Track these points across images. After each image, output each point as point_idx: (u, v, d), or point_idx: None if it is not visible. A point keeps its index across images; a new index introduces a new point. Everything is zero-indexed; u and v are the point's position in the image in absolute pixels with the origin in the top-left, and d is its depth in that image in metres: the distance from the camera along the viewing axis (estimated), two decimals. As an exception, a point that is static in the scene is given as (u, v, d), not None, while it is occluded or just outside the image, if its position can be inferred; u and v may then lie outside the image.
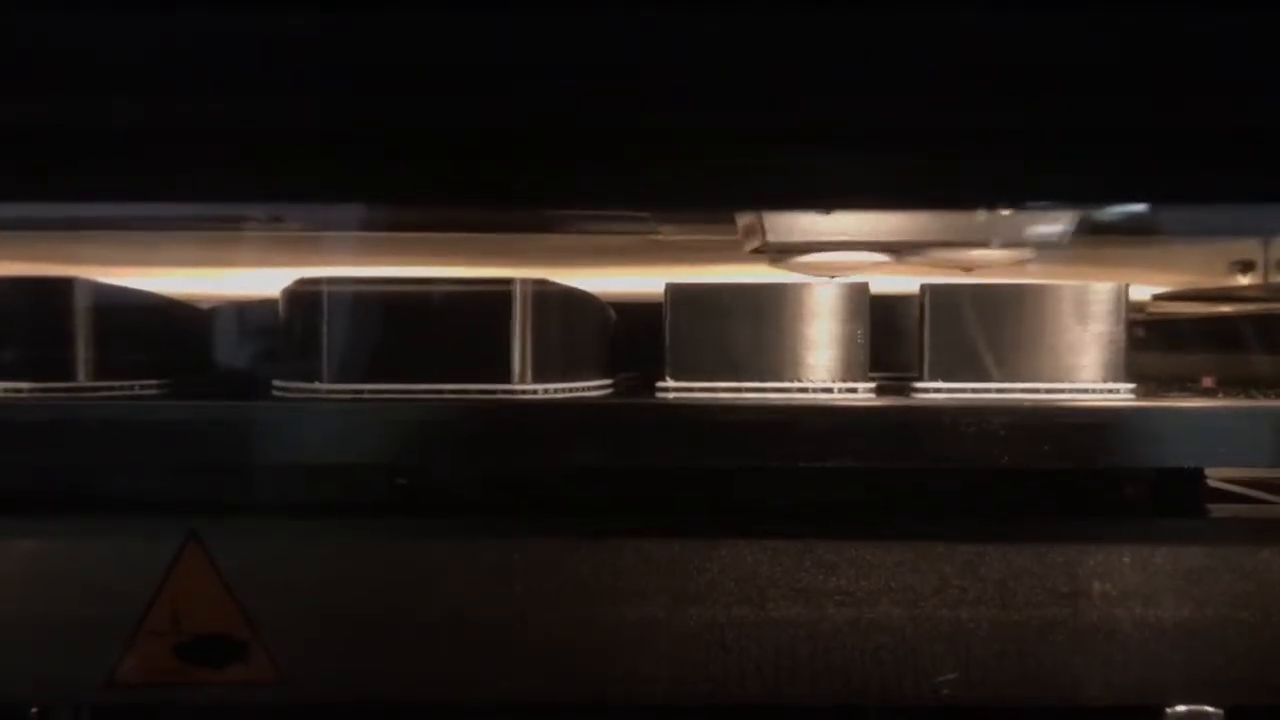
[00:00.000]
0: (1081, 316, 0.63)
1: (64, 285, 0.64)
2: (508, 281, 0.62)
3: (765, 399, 0.62)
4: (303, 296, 0.63)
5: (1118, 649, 0.60)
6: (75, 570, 0.61)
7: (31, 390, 0.62)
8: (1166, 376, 0.76)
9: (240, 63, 0.52)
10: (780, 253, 0.77)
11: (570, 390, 0.63)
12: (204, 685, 0.60)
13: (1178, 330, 0.90)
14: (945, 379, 0.63)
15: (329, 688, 0.61)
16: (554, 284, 0.65)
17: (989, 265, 0.78)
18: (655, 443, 0.59)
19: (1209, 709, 0.60)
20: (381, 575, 0.61)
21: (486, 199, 0.67)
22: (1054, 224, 0.73)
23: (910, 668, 0.60)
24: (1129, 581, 0.60)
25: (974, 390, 0.63)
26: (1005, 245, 0.75)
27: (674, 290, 0.64)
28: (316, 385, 0.62)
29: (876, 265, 0.78)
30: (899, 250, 0.76)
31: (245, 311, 0.75)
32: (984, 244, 0.75)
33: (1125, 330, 0.63)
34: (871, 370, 0.64)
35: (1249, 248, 1.00)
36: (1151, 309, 0.96)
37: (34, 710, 0.63)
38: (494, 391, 0.61)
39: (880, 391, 0.63)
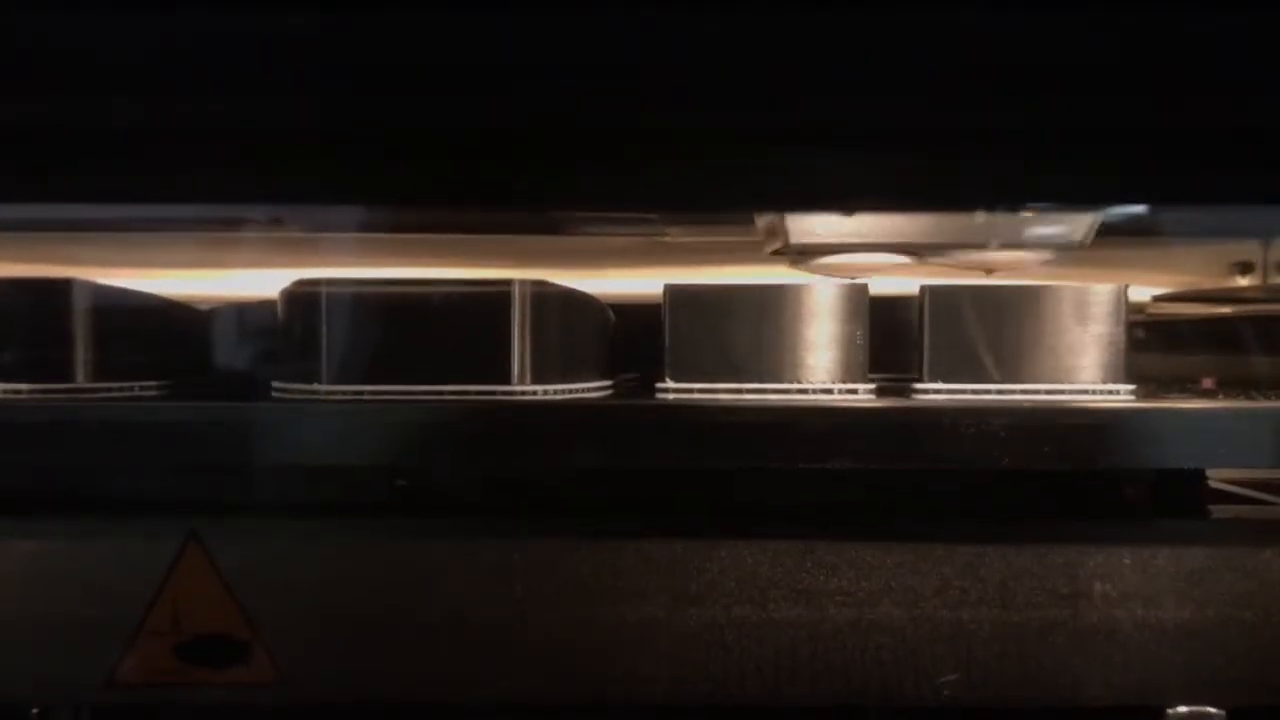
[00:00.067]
0: (1081, 318, 0.63)
1: (63, 286, 0.64)
2: (507, 283, 0.62)
3: (765, 400, 0.62)
4: (302, 297, 0.63)
5: (1118, 650, 0.60)
6: (75, 571, 0.61)
7: (31, 391, 0.62)
8: (1166, 378, 0.76)
9: (240, 63, 0.52)
10: (802, 254, 0.77)
11: (570, 391, 0.63)
12: (204, 685, 0.60)
13: (1178, 331, 0.90)
14: (945, 380, 0.63)
15: (329, 688, 0.61)
16: (553, 285, 0.65)
17: (1010, 267, 0.78)
18: (655, 444, 0.59)
19: (1210, 710, 0.60)
20: (381, 576, 0.61)
21: (486, 199, 0.67)
22: (1078, 225, 0.73)
23: (911, 668, 0.60)
24: (1130, 582, 0.60)
25: (974, 391, 0.63)
26: (1028, 247, 0.75)
27: (673, 291, 0.64)
28: (316, 386, 0.62)
29: (898, 267, 0.78)
30: (920, 252, 0.76)
31: (244, 313, 0.75)
32: (1006, 245, 0.75)
33: (1125, 331, 0.63)
34: (872, 371, 0.64)
35: (1249, 249, 1.00)
36: (1151, 310, 0.96)
37: (34, 710, 0.63)
38: (493, 393, 0.61)
39: (880, 392, 0.63)
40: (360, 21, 0.51)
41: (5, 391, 0.62)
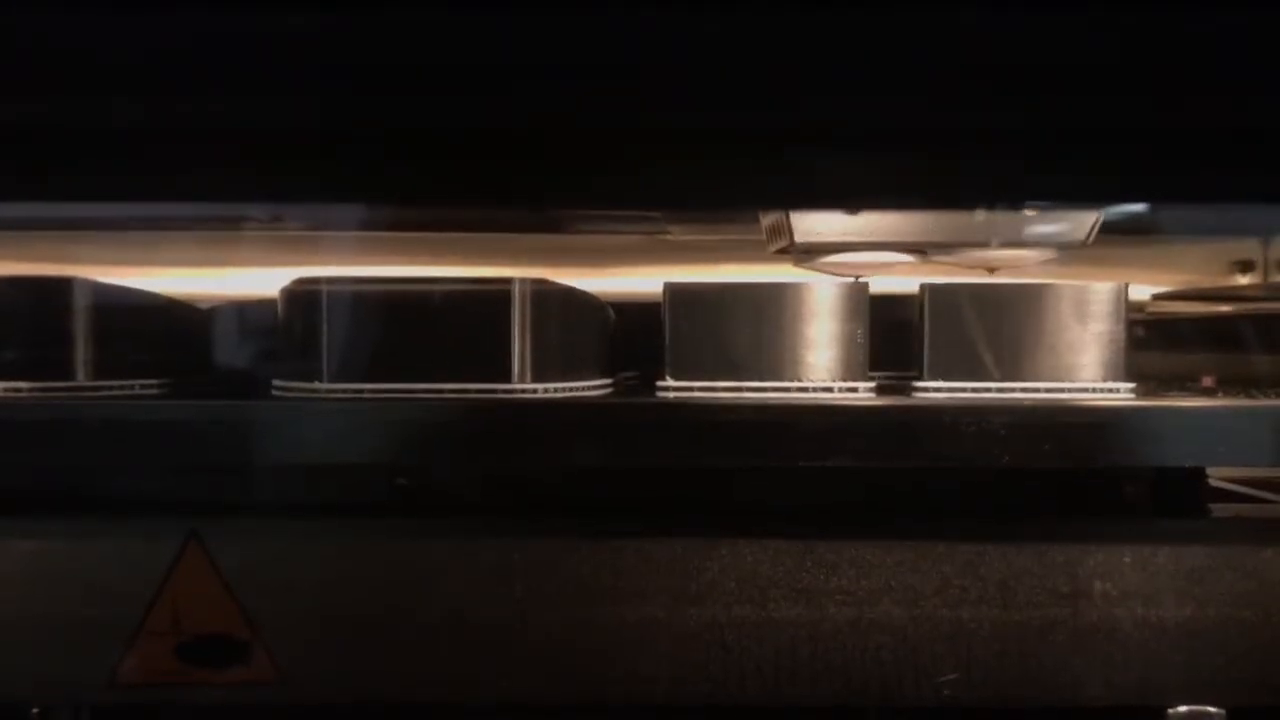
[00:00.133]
0: (1081, 316, 0.63)
1: (63, 285, 0.64)
2: (507, 281, 0.62)
3: (765, 399, 0.62)
4: (302, 296, 0.63)
5: (1119, 649, 0.60)
6: (76, 570, 0.61)
7: (31, 390, 0.62)
8: (1166, 376, 0.76)
9: (240, 63, 0.52)
10: (807, 253, 0.77)
11: (570, 390, 0.63)
12: (204, 685, 0.60)
13: (1178, 330, 0.90)
14: (945, 378, 0.63)
15: (329, 688, 0.61)
16: (553, 283, 0.65)
17: (1014, 265, 0.78)
18: (655, 442, 0.59)
19: (1211, 709, 0.60)
20: (381, 575, 0.61)
21: (486, 199, 0.67)
22: (1081, 224, 0.73)
23: (911, 668, 0.60)
24: (1130, 581, 0.60)
25: (974, 390, 0.63)
26: (1031, 246, 0.75)
27: (673, 290, 0.64)
28: (316, 385, 0.62)
29: (902, 265, 0.78)
30: (925, 251, 0.76)
31: (245, 311, 0.75)
32: (1010, 244, 0.75)
33: (1125, 330, 0.63)
34: (872, 369, 0.64)
35: (1249, 247, 1.00)
36: (1151, 308, 0.96)
37: (35, 710, 0.63)
38: (494, 391, 0.61)
39: (880, 391, 0.63)
40: (360, 21, 0.51)
41: (6, 390, 0.62)
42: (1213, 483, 0.69)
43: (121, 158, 0.55)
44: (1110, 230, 0.74)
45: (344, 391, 0.61)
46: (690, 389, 0.63)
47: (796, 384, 0.63)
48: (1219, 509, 0.66)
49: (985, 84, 0.53)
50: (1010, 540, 0.60)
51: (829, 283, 0.64)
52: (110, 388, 0.63)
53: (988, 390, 0.63)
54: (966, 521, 0.61)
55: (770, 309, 0.63)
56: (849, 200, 0.68)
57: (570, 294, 0.67)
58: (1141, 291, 0.96)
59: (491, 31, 0.51)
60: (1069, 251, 0.76)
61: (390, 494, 0.66)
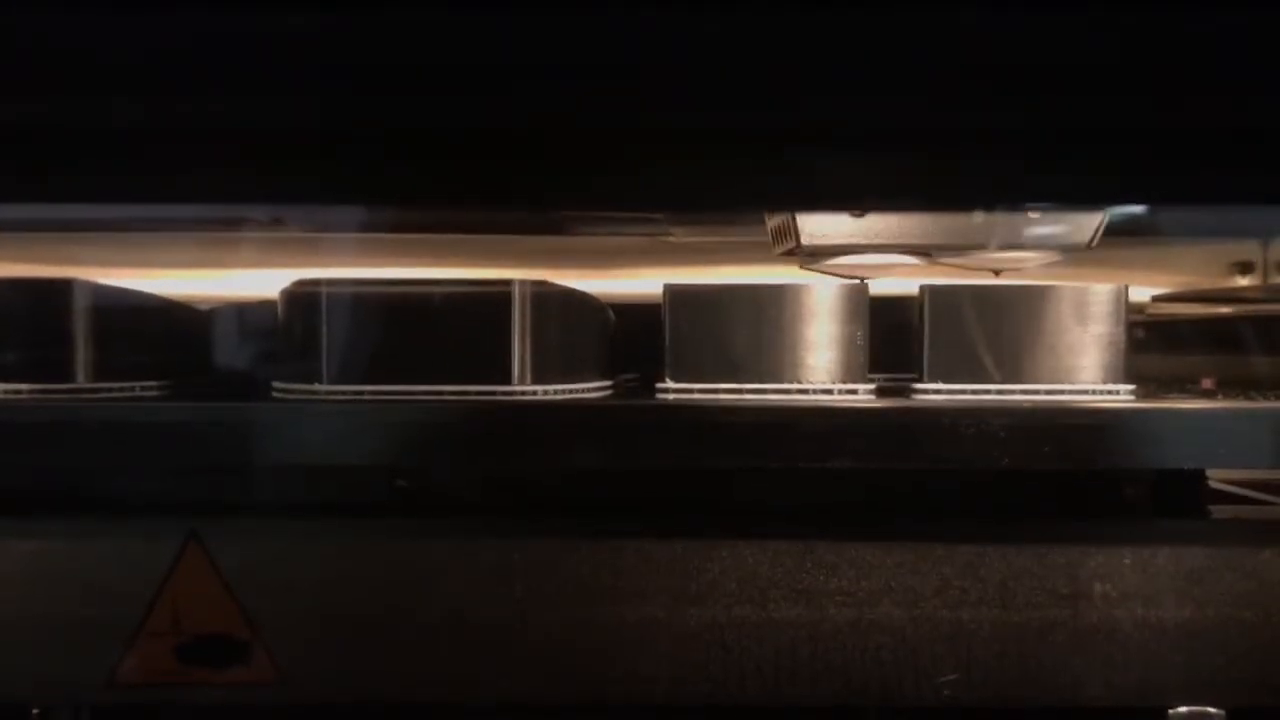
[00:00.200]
0: (1081, 318, 0.63)
1: (63, 286, 0.64)
2: (507, 283, 0.62)
3: (765, 400, 0.62)
4: (302, 298, 0.63)
5: (1119, 650, 0.60)
6: (76, 571, 0.61)
7: (32, 391, 0.62)
8: (1166, 378, 0.76)
9: (240, 63, 0.52)
10: (812, 255, 0.77)
11: (570, 391, 0.63)
12: (204, 685, 0.60)
13: (1177, 331, 0.90)
14: (945, 380, 0.63)
15: (329, 688, 0.61)
16: (553, 285, 0.65)
17: (1019, 267, 0.78)
18: (655, 444, 0.59)
19: (1211, 710, 0.60)
20: (381, 576, 0.61)
21: (487, 199, 0.67)
22: (1085, 226, 0.73)
23: (911, 668, 0.60)
24: (1130, 582, 0.60)
25: (974, 391, 0.63)
26: (1036, 248, 0.75)
27: (673, 291, 0.64)
28: (316, 386, 0.62)
29: (907, 268, 0.78)
30: (930, 253, 0.76)
31: (245, 313, 0.75)
32: (1015, 247, 0.75)
33: (1125, 332, 0.63)
34: (872, 371, 0.64)
35: (1249, 249, 1.00)
36: (1151, 310, 0.96)
37: (35, 710, 0.63)
38: (493, 393, 0.61)
39: (880, 393, 0.63)
40: (360, 21, 0.51)
41: (6, 392, 0.62)
42: (1212, 484, 0.69)
43: (121, 158, 0.55)
44: (1111, 232, 0.74)
45: (344, 393, 0.61)
46: (690, 390, 0.63)
47: (796, 386, 0.63)
48: (1218, 510, 0.66)
49: (985, 84, 0.53)
50: (1010, 541, 0.60)
51: (828, 284, 0.64)
52: (110, 389, 0.63)
53: (987, 392, 0.63)
54: (966, 523, 0.61)
55: (770, 311, 0.63)
56: (849, 200, 0.68)
57: (570, 295, 0.67)
58: (1141, 293, 0.96)
59: (491, 31, 0.51)
60: (1072, 254, 0.76)
61: (390, 495, 0.66)
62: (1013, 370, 0.63)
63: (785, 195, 0.64)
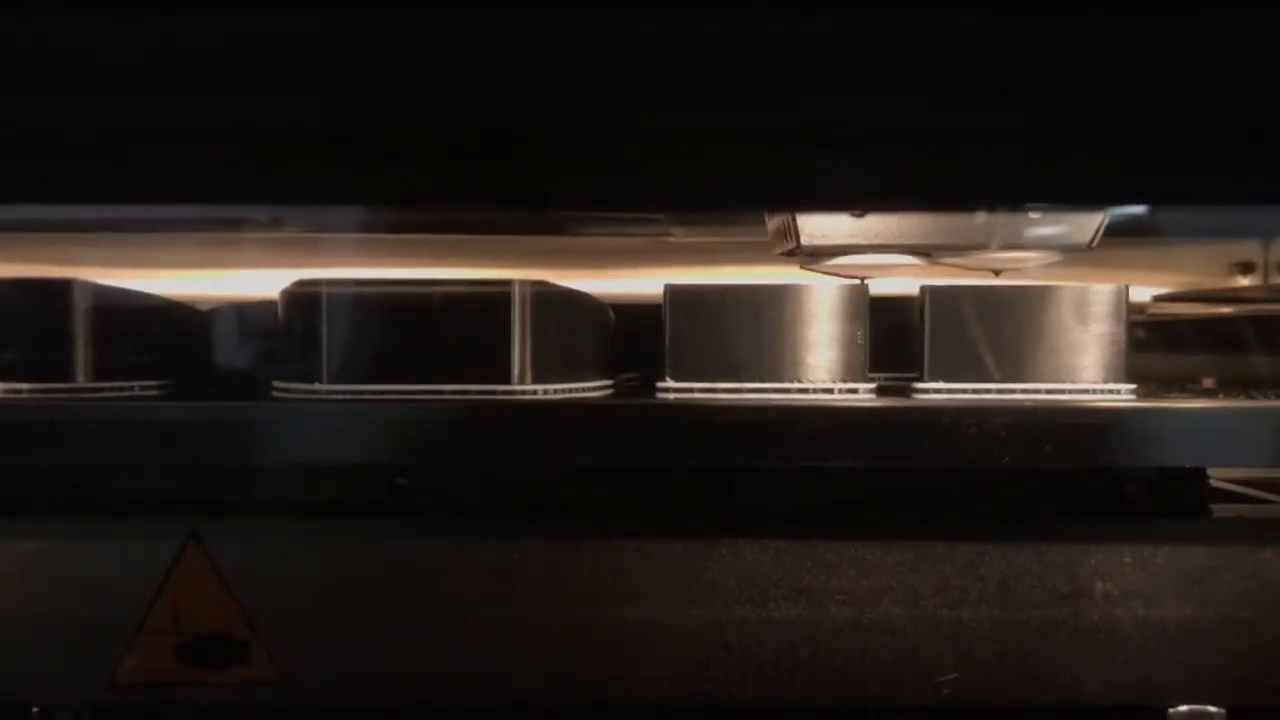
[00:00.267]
0: (1082, 317, 0.63)
1: (64, 286, 0.64)
2: (507, 283, 0.62)
3: (765, 400, 0.62)
4: (302, 298, 0.63)
5: (1119, 649, 0.60)
6: (76, 571, 0.61)
7: (32, 391, 0.62)
8: (1167, 377, 0.76)
9: (240, 63, 0.52)
10: (813, 255, 0.77)
11: (570, 391, 0.63)
12: (204, 685, 0.60)
13: (1178, 331, 0.90)
14: (946, 380, 0.63)
15: (329, 688, 0.61)
16: (553, 285, 0.65)
17: (1019, 267, 0.78)
18: (655, 443, 0.59)
19: (1211, 709, 0.60)
20: (381, 575, 0.61)
21: (487, 200, 0.67)
22: (1086, 226, 0.73)
23: (911, 668, 0.60)
24: (1130, 581, 0.60)
25: (974, 391, 0.63)
26: (1037, 248, 0.75)
27: (673, 291, 0.64)
28: (316, 386, 0.62)
29: (908, 268, 0.78)
30: (931, 253, 0.76)
31: (245, 313, 0.75)
32: (1016, 247, 0.75)
33: (1126, 331, 0.63)
34: (873, 371, 0.64)
35: (1249, 249, 1.00)
36: (1152, 310, 0.96)
37: (35, 710, 0.63)
38: (494, 392, 0.61)
39: (881, 392, 0.63)
40: (360, 21, 0.51)
41: (6, 391, 0.62)
42: (1213, 483, 0.69)
43: (122, 158, 0.55)
44: (1111, 232, 0.74)
45: (344, 393, 0.61)
46: (690, 390, 0.63)
47: (796, 385, 0.63)
48: (1219, 509, 0.66)
49: (985, 84, 0.53)
50: (1010, 540, 0.60)
51: (829, 284, 0.64)
52: (110, 389, 0.63)
53: (988, 391, 0.63)
54: (967, 522, 0.61)
55: (770, 311, 0.63)
56: (849, 200, 0.68)
57: (570, 295, 0.67)
58: (1142, 293, 0.96)
59: (491, 31, 0.51)
60: (1079, 254, 0.76)
61: (390, 495, 0.66)
62: (1013, 370, 0.63)
63: (785, 195, 0.64)
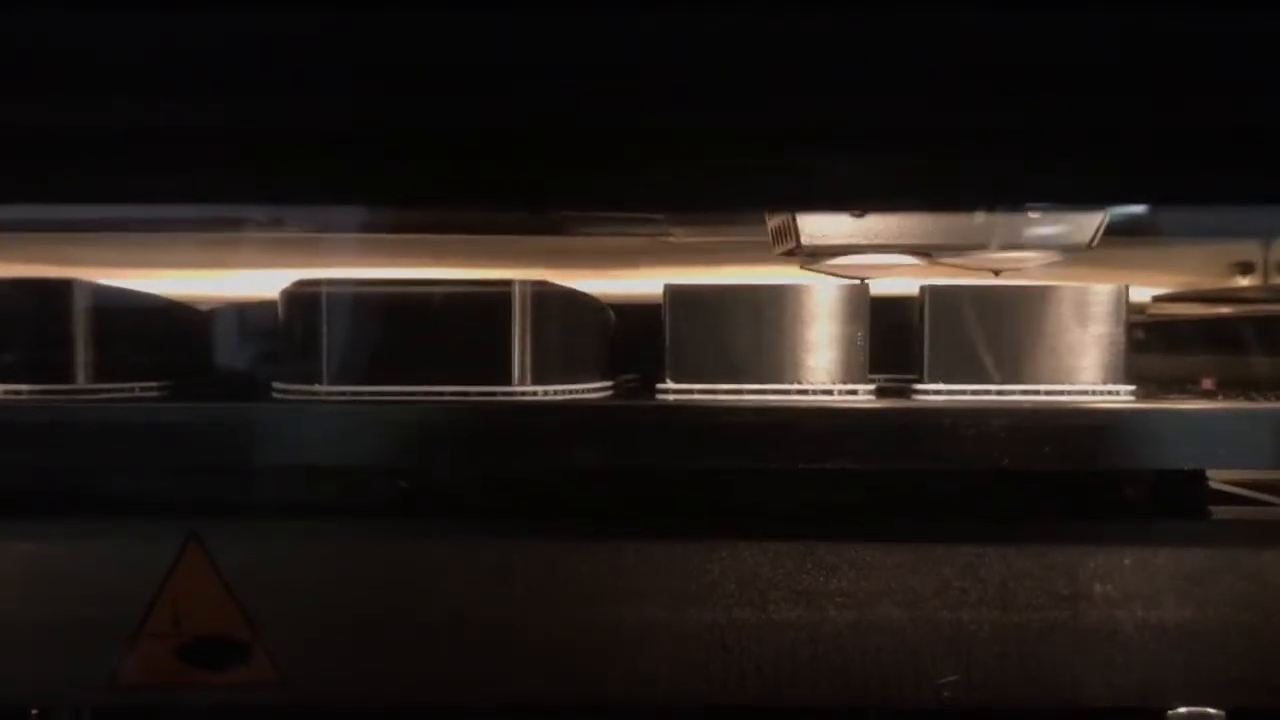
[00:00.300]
0: (1081, 318, 0.63)
1: (63, 287, 0.64)
2: (507, 283, 0.62)
3: (765, 401, 0.62)
4: (302, 298, 0.63)
5: (1119, 651, 0.60)
6: (76, 571, 0.61)
7: (31, 392, 0.62)
8: (1166, 378, 0.76)
9: (240, 63, 0.52)
10: (813, 255, 0.77)
11: (570, 392, 0.63)
12: (205, 686, 0.60)
13: (1178, 332, 0.90)
14: (945, 381, 0.63)
15: (330, 688, 0.61)
16: (553, 285, 0.65)
17: (1019, 267, 0.78)
18: (655, 444, 0.59)
19: (1211, 711, 0.60)
20: (382, 576, 0.61)
21: (487, 200, 0.67)
22: (1086, 226, 0.73)
23: (911, 669, 0.60)
24: (1130, 583, 0.60)
25: (974, 392, 0.63)
26: (1038, 248, 0.75)
27: (673, 292, 0.64)
28: (316, 387, 0.62)
29: (909, 268, 0.78)
30: (931, 253, 0.76)
31: (245, 313, 0.75)
32: (1016, 247, 0.75)
33: (1125, 332, 0.63)
34: (873, 372, 0.64)
35: (1249, 249, 1.00)
36: (1151, 310, 0.96)
37: (35, 711, 0.63)
38: (494, 393, 0.61)
39: (880, 393, 0.63)
40: (360, 21, 0.51)
41: (6, 392, 0.62)
42: (1213, 485, 0.69)
43: (121, 158, 0.55)
44: (1111, 232, 0.74)
45: (344, 394, 0.61)
46: (690, 391, 0.63)
47: (796, 386, 0.63)
48: (1219, 511, 0.66)
49: (985, 84, 0.53)
50: (1010, 542, 0.60)
51: (829, 285, 0.64)
52: (110, 390, 0.63)
53: (987, 392, 0.63)
54: (966, 523, 0.61)
55: (770, 311, 0.63)
56: (849, 200, 0.68)
57: (570, 296, 0.67)
58: (1142, 293, 0.96)
59: (491, 31, 0.51)
60: (1079, 254, 0.76)
61: (391, 495, 0.66)
62: (1013, 371, 0.63)
63: (785, 195, 0.64)
